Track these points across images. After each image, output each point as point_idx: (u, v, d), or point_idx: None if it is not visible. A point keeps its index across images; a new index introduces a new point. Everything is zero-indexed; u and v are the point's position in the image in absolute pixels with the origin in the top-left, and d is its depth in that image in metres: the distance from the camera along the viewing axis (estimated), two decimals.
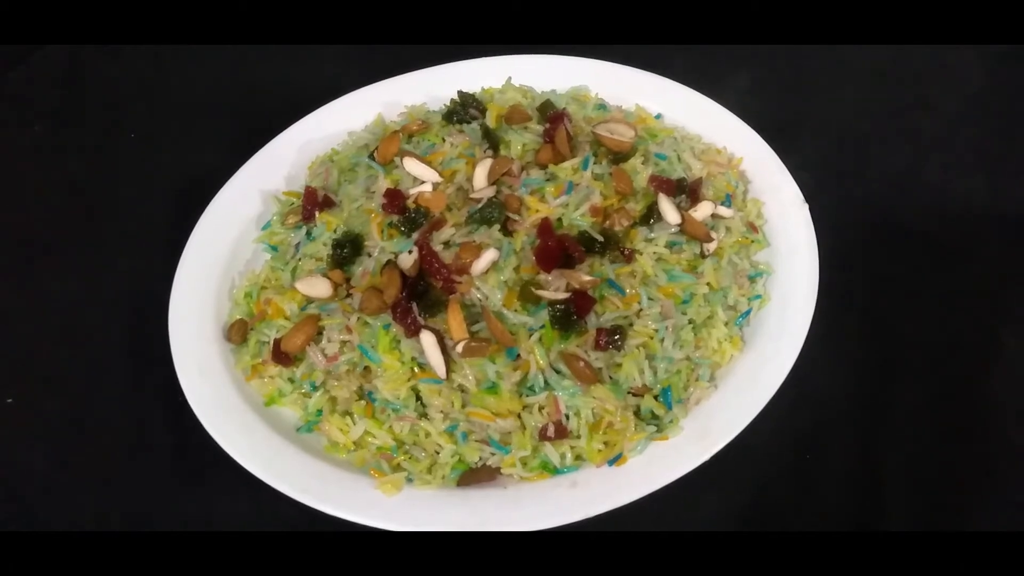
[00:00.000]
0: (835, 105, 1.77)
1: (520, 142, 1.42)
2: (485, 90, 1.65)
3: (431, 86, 1.68)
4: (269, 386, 1.36)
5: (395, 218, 1.34)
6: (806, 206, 1.45)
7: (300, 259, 1.43)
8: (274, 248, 1.52)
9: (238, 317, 1.42)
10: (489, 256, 1.26)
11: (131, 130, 1.84)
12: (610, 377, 1.23)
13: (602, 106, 1.59)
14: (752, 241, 1.42)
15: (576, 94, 1.64)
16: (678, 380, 1.28)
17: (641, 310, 1.28)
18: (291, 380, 1.34)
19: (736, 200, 1.48)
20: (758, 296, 1.37)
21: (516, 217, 1.31)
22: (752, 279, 1.41)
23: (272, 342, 1.34)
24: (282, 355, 1.32)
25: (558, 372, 1.21)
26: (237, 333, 1.40)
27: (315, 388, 1.32)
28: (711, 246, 1.38)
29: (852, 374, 1.34)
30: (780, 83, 1.79)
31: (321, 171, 1.54)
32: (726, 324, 1.34)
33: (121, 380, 1.42)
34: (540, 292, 1.22)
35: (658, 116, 1.63)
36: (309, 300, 1.36)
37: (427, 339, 1.24)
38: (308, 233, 1.45)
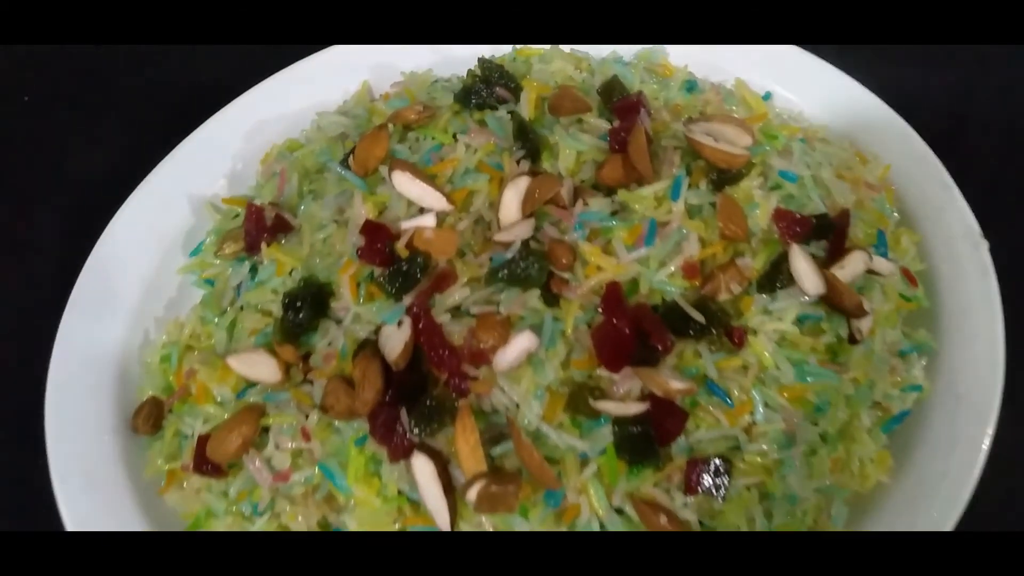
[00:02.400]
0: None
1: (573, 148, 1.09)
2: (518, 51, 1.22)
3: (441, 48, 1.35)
4: (193, 502, 1.10)
5: (377, 270, 1.03)
6: (985, 244, 1.14)
7: (242, 308, 1.15)
8: (209, 282, 1.22)
9: (150, 394, 1.15)
10: (523, 342, 0.96)
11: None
12: (701, 524, 0.97)
13: (692, 84, 1.26)
14: (909, 300, 1.12)
15: (650, 62, 1.31)
16: (801, 526, 1.01)
17: (754, 425, 0.99)
18: (225, 495, 1.08)
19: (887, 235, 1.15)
20: (916, 387, 1.09)
21: (566, 277, 1.01)
22: (904, 355, 1.11)
23: (195, 439, 1.08)
24: (208, 464, 1.06)
25: (621, 514, 0.95)
26: (147, 420, 1.12)
27: (258, 512, 1.05)
28: (863, 324, 1.04)
29: None
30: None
31: (276, 172, 1.23)
32: (870, 432, 1.05)
33: None
34: (601, 404, 0.94)
35: (767, 96, 1.31)
36: (249, 382, 1.08)
37: (422, 467, 0.95)
38: (252, 270, 1.15)
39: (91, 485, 1.05)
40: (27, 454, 1.08)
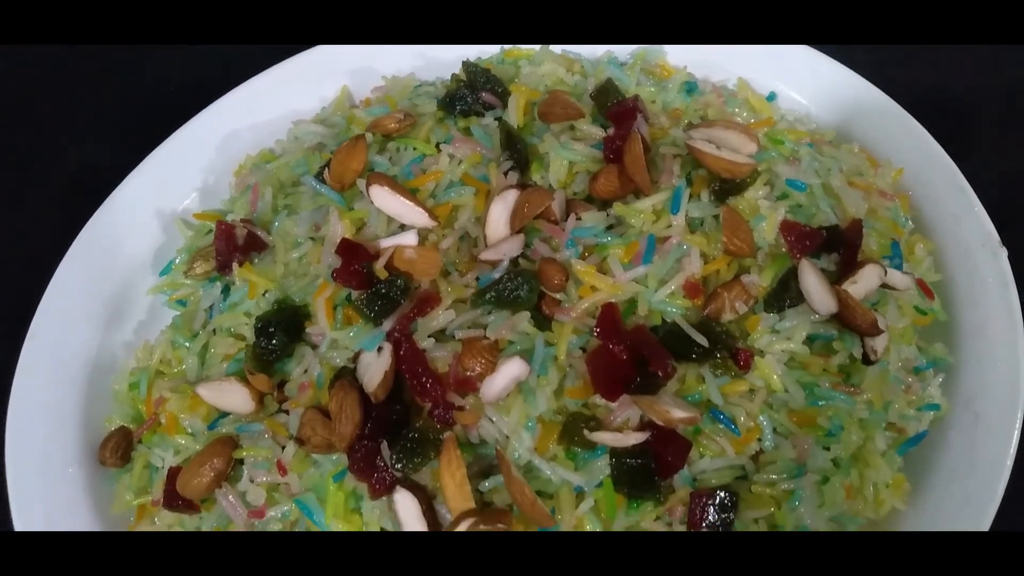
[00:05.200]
0: None
1: (565, 158, 1.03)
2: (506, 53, 1.23)
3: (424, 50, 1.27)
4: None
5: (355, 293, 0.96)
6: (1004, 252, 1.07)
7: (214, 332, 1.08)
8: (181, 303, 1.16)
9: (118, 424, 1.09)
10: (512, 370, 0.90)
11: None
12: None
13: (692, 86, 1.17)
14: (925, 314, 1.05)
15: (647, 62, 1.23)
16: None
17: (762, 453, 0.93)
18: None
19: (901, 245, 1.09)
20: (934, 406, 1.02)
21: (559, 298, 0.95)
22: (920, 372, 1.04)
23: (166, 472, 1.01)
24: (180, 500, 0.99)
25: None
26: (115, 451, 1.06)
27: None
28: (878, 343, 0.96)
29: None
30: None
31: (249, 186, 1.15)
32: (884, 455, 0.98)
33: None
34: (598, 436, 0.88)
35: (771, 97, 1.24)
36: (221, 412, 1.01)
37: (405, 504, 0.89)
38: (225, 291, 1.08)
39: (54, 523, 0.99)
40: None
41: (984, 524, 0.93)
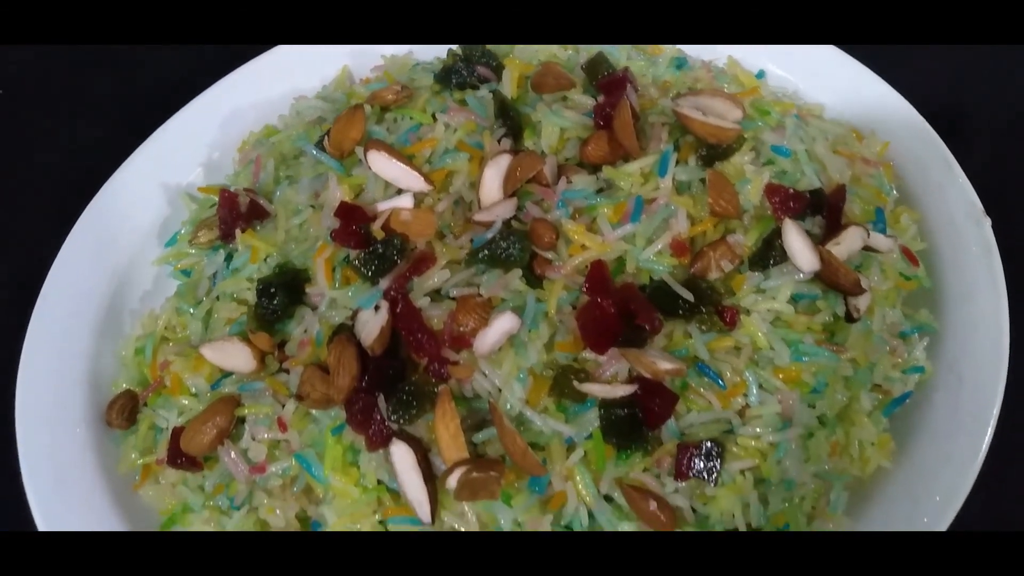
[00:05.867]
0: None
1: (557, 126, 1.05)
2: None
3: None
4: (168, 498, 1.05)
5: (353, 253, 0.98)
6: (987, 221, 1.09)
7: (217, 298, 1.10)
8: (186, 273, 1.18)
9: (124, 387, 1.11)
10: (504, 324, 0.91)
11: None
12: (693, 510, 0.91)
13: (681, 61, 1.20)
14: (909, 279, 1.06)
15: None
16: (799, 514, 0.95)
17: (748, 408, 0.94)
18: (202, 489, 1.04)
19: (886, 214, 1.10)
20: (919, 369, 1.04)
21: (549, 256, 0.97)
22: (906, 337, 1.06)
23: (170, 432, 1.03)
24: (183, 457, 1.01)
25: (610, 501, 0.91)
26: (120, 413, 1.08)
27: (235, 506, 1.00)
28: (861, 302, 0.99)
29: None
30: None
31: (252, 159, 1.18)
32: (870, 415, 1.00)
33: None
34: (587, 387, 0.90)
35: (760, 75, 1.26)
36: (224, 372, 1.03)
37: (401, 455, 0.91)
38: (228, 259, 1.11)
39: (63, 480, 1.01)
40: None
41: (967, 484, 0.94)
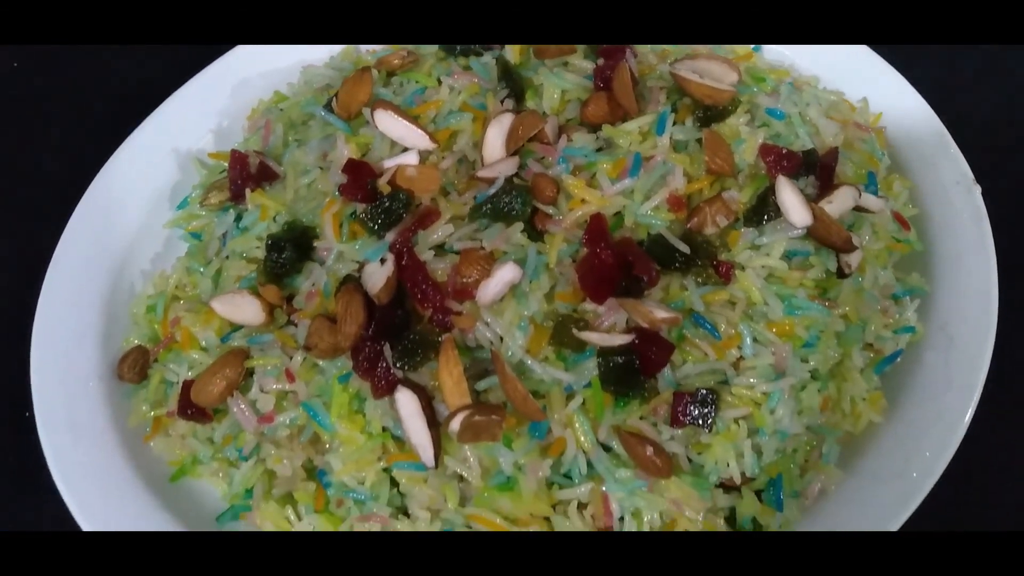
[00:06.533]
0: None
1: (558, 87, 1.08)
2: None
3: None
4: (178, 449, 1.07)
5: (359, 207, 1.01)
6: (978, 188, 1.12)
7: (227, 257, 1.13)
8: (196, 236, 1.20)
9: (136, 343, 1.13)
10: (506, 274, 0.94)
11: None
12: (689, 460, 0.94)
13: None
14: (900, 242, 1.09)
15: None
16: (792, 465, 0.98)
17: (742, 360, 0.97)
18: (211, 440, 1.06)
19: (878, 180, 1.12)
20: (910, 329, 1.06)
21: (550, 211, 0.99)
22: (897, 299, 1.08)
23: (180, 385, 1.06)
24: (193, 408, 1.04)
25: (609, 451, 0.93)
26: (132, 367, 1.11)
27: (243, 457, 1.03)
28: (852, 259, 1.02)
29: None
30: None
31: (262, 125, 1.21)
32: (862, 372, 1.03)
33: None
34: (586, 335, 0.92)
35: (756, 48, 1.28)
36: (233, 326, 1.05)
37: (406, 402, 0.93)
38: (238, 219, 1.13)
39: (76, 431, 1.04)
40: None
41: (956, 440, 0.95)
